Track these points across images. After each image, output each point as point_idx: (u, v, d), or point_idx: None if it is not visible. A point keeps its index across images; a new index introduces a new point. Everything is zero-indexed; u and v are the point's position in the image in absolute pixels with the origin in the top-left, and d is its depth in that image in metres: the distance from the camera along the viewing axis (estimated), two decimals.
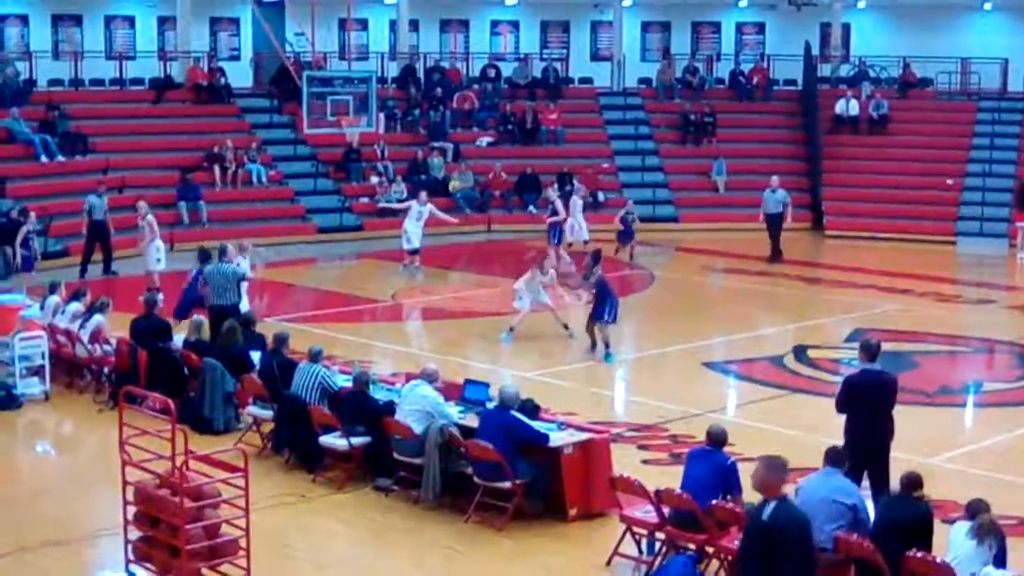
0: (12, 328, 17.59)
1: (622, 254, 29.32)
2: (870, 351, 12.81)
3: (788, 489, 9.46)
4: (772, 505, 8.98)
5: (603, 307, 19.86)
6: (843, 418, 12.70)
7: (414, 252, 27.05)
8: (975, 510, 10.10)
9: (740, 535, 10.95)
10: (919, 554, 9.95)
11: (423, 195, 28.08)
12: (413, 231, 27.01)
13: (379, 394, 14.38)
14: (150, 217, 24.41)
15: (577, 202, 29.13)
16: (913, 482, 10.54)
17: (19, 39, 36.04)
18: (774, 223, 30.02)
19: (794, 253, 29.92)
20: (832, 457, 11.01)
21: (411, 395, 13.55)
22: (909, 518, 10.36)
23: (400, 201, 30.58)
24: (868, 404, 12.49)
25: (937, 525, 10.56)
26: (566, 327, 21.19)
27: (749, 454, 14.13)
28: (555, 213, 28.58)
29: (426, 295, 25.93)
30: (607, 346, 19.91)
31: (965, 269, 31.02)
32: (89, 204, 26.86)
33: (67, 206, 28.65)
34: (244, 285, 19.26)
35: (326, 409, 14.21)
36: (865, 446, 12.19)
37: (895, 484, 10.86)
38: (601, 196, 34.69)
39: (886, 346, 20.38)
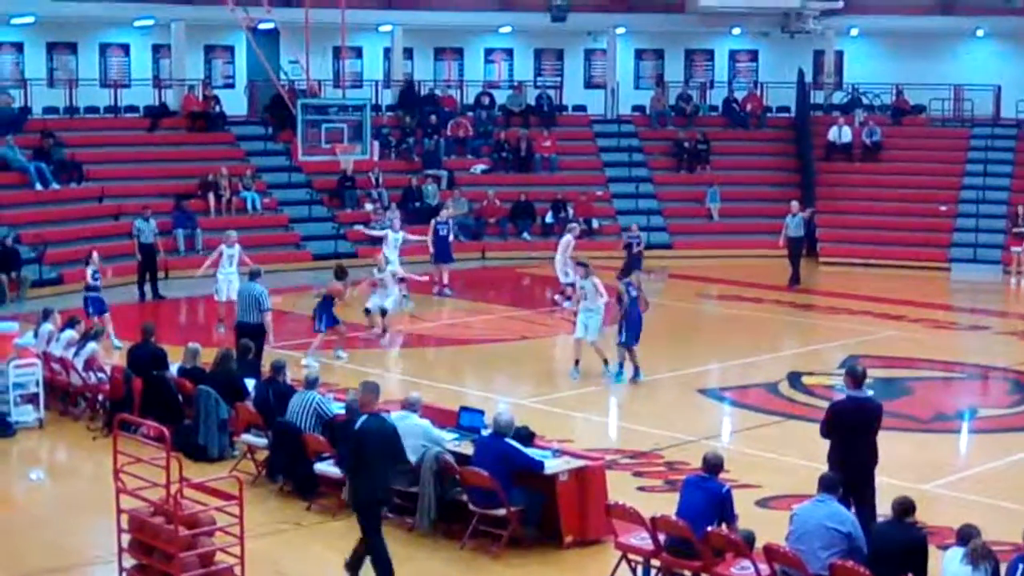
0: (7, 355, 17.58)
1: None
2: (856, 377, 12.83)
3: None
4: (364, 418, 11.61)
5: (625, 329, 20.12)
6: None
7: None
8: (967, 535, 10.09)
9: (736, 562, 11.00)
10: None
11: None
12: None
13: None
14: (238, 247, 24.34)
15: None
16: (906, 508, 10.55)
17: (14, 67, 36.11)
18: (795, 247, 30.14)
19: (787, 280, 29.92)
20: (827, 484, 11.02)
21: (402, 427, 13.47)
22: (903, 544, 10.36)
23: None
24: (853, 430, 12.48)
25: (932, 551, 10.56)
26: (577, 362, 20.83)
27: (745, 481, 14.22)
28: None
29: (421, 322, 25.91)
30: (620, 366, 20.17)
31: (959, 295, 31.05)
32: (137, 228, 27.35)
33: (62, 234, 28.67)
34: (268, 315, 19.74)
35: (320, 436, 14.20)
36: (850, 471, 12.13)
37: (887, 510, 10.84)
38: (596, 223, 34.79)
39: (881, 372, 20.64)
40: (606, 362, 20.55)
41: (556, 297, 26.81)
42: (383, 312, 23.08)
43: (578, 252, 26.04)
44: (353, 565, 11.86)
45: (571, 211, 34.55)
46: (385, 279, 22.96)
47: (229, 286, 24.06)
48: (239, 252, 24.23)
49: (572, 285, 25.31)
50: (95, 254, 23.62)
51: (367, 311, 23.06)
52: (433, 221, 28.76)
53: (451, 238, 28.61)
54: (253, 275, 20.15)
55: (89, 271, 23.10)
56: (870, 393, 13.11)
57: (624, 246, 29.29)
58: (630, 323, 20.05)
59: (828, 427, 12.68)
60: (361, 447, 11.49)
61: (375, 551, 11.56)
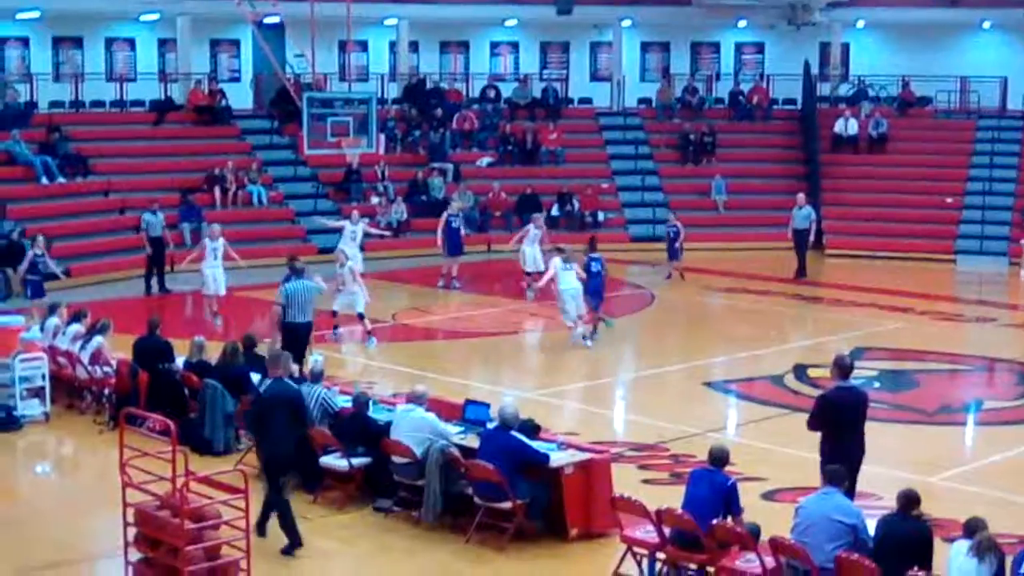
0: (12, 349, 17.60)
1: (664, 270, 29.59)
2: (844, 368, 12.82)
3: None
4: (268, 382, 12.84)
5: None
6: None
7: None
8: (973, 528, 10.08)
9: (742, 555, 11.00)
10: (920, 573, 9.93)
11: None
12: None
13: (379, 415, 14.38)
14: (222, 240, 24.46)
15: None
16: (911, 500, 10.52)
17: (20, 61, 36.14)
18: (801, 239, 30.13)
19: (793, 272, 29.88)
20: (832, 476, 11.01)
21: (407, 420, 13.53)
22: (909, 536, 10.34)
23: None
24: (843, 421, 12.46)
25: (937, 543, 10.55)
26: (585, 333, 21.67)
27: (750, 474, 14.22)
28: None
29: (427, 315, 25.93)
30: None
31: (965, 287, 31.00)
32: (145, 222, 27.55)
33: (68, 228, 28.69)
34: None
35: (326, 430, 14.21)
36: (842, 462, 12.09)
37: (892, 502, 10.82)
38: (601, 216, 34.79)
39: (887, 365, 20.63)
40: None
41: (526, 285, 27.00)
42: (361, 317, 22.37)
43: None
44: (260, 524, 12.43)
45: (577, 204, 34.56)
46: (344, 275, 22.23)
47: (216, 280, 24.13)
48: (223, 246, 24.33)
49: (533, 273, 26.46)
50: (40, 238, 23.78)
51: (334, 313, 22.80)
52: (445, 214, 28.60)
53: (463, 231, 28.57)
54: (299, 272, 19.23)
55: (31, 255, 23.26)
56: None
57: (666, 238, 29.80)
58: (590, 292, 21.98)
59: (820, 419, 12.64)
60: (266, 410, 12.45)
61: (280, 508, 12.36)
